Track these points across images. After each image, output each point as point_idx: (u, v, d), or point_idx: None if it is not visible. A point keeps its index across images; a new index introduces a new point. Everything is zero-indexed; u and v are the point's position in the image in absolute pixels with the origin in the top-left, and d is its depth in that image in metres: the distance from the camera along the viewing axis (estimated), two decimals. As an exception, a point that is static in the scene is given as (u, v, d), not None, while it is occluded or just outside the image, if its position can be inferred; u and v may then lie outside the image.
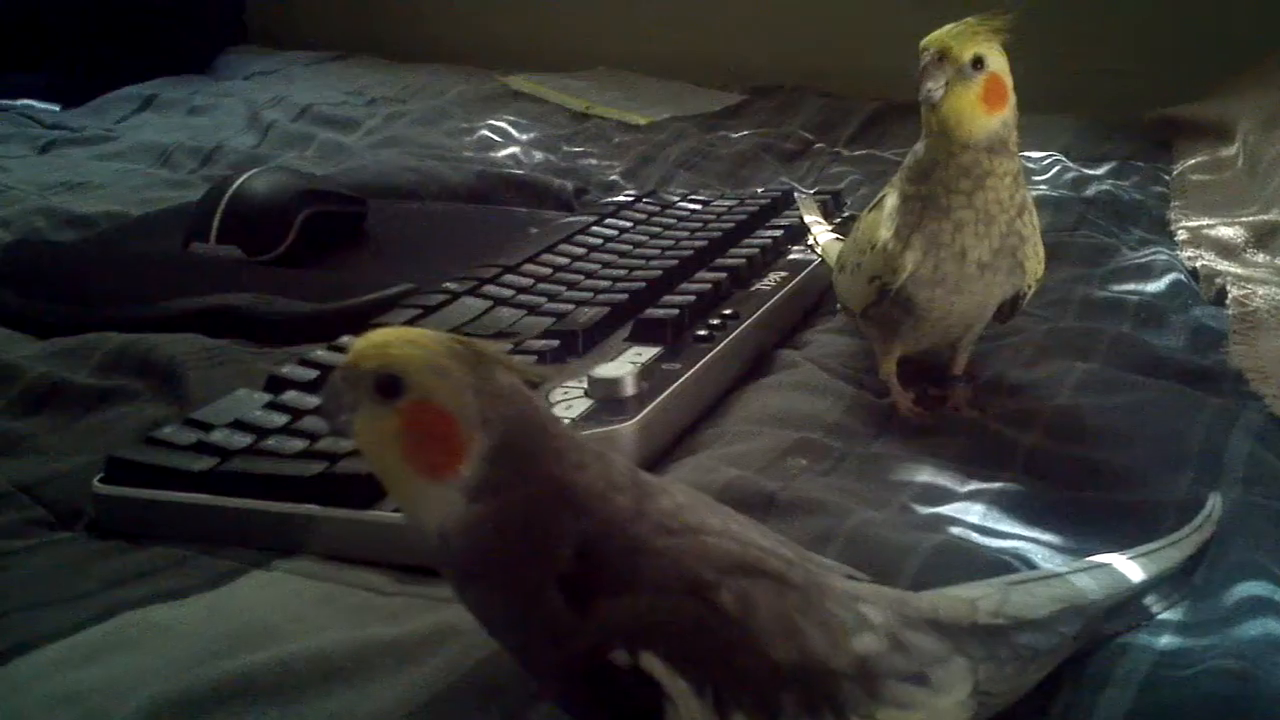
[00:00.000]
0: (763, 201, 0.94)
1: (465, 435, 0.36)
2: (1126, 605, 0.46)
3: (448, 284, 0.76)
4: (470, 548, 0.36)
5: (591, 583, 0.35)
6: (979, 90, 0.61)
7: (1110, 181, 1.11)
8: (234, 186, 0.93)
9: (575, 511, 0.36)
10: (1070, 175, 1.12)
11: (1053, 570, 0.46)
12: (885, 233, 0.64)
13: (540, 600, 0.35)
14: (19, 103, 1.43)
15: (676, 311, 0.70)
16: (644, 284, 0.75)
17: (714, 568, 0.35)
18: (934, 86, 0.60)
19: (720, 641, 0.35)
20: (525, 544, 0.36)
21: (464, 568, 0.37)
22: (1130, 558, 0.48)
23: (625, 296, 0.73)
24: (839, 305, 0.75)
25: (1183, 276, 0.87)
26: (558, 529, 0.36)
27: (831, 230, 0.84)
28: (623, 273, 0.78)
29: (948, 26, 0.61)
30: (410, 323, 0.70)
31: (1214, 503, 0.53)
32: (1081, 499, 0.58)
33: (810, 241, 0.84)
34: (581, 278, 0.78)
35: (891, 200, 0.64)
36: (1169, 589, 0.49)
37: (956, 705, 0.38)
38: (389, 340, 0.36)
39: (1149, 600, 0.49)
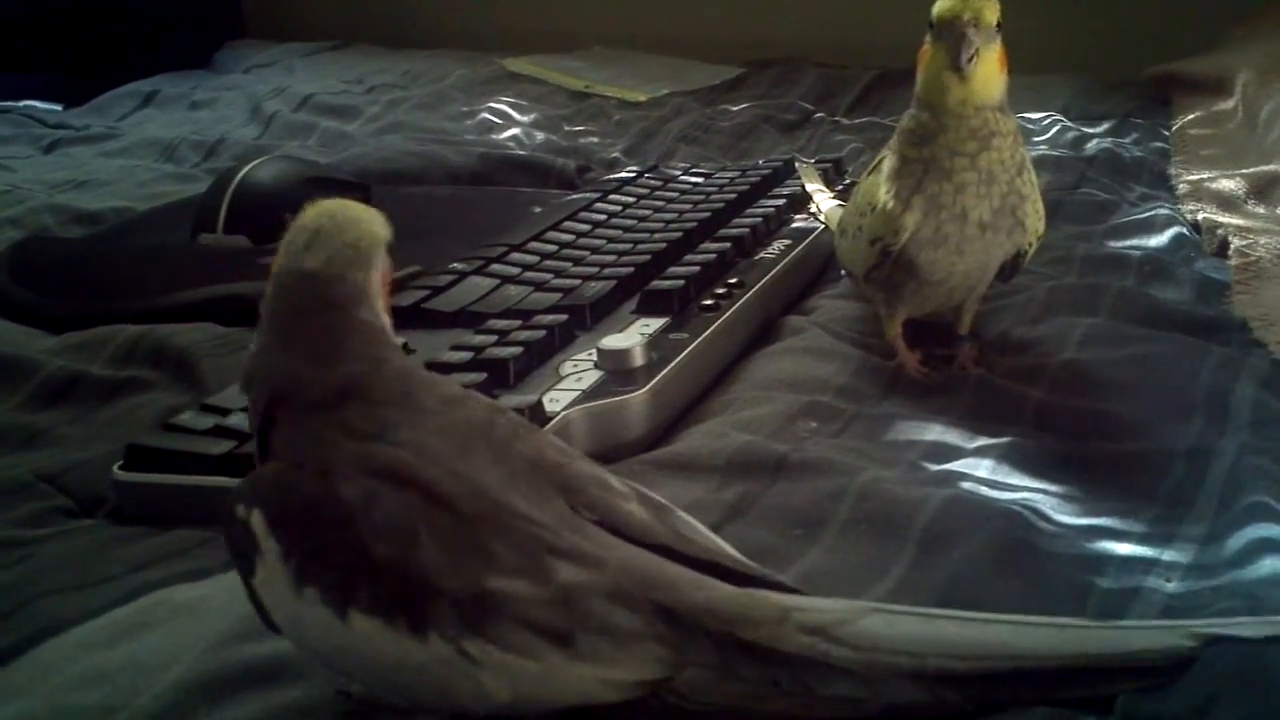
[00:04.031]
0: (764, 172, 0.94)
1: None
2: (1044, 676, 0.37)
3: (455, 264, 0.77)
4: None
5: (268, 448, 0.40)
6: (999, 52, 0.62)
7: (1110, 139, 1.11)
8: (239, 177, 0.93)
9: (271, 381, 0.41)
10: (1070, 134, 1.13)
11: (957, 614, 0.38)
12: (884, 195, 0.64)
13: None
14: (21, 104, 1.43)
15: (682, 283, 0.70)
16: (649, 257, 0.75)
17: (362, 468, 0.38)
18: (971, 54, 0.60)
19: (320, 520, 0.38)
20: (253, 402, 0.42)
21: None
22: (1077, 628, 0.39)
23: (631, 270, 0.73)
24: (843, 270, 0.75)
25: (1185, 230, 0.87)
26: (264, 392, 0.41)
27: (834, 197, 0.85)
28: (627, 247, 0.78)
29: None
30: (419, 303, 0.71)
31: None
32: (1089, 450, 0.58)
33: (813, 209, 0.85)
34: (587, 253, 0.79)
35: (890, 163, 0.65)
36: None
37: (601, 679, 0.37)
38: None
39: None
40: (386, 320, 0.42)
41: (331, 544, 0.37)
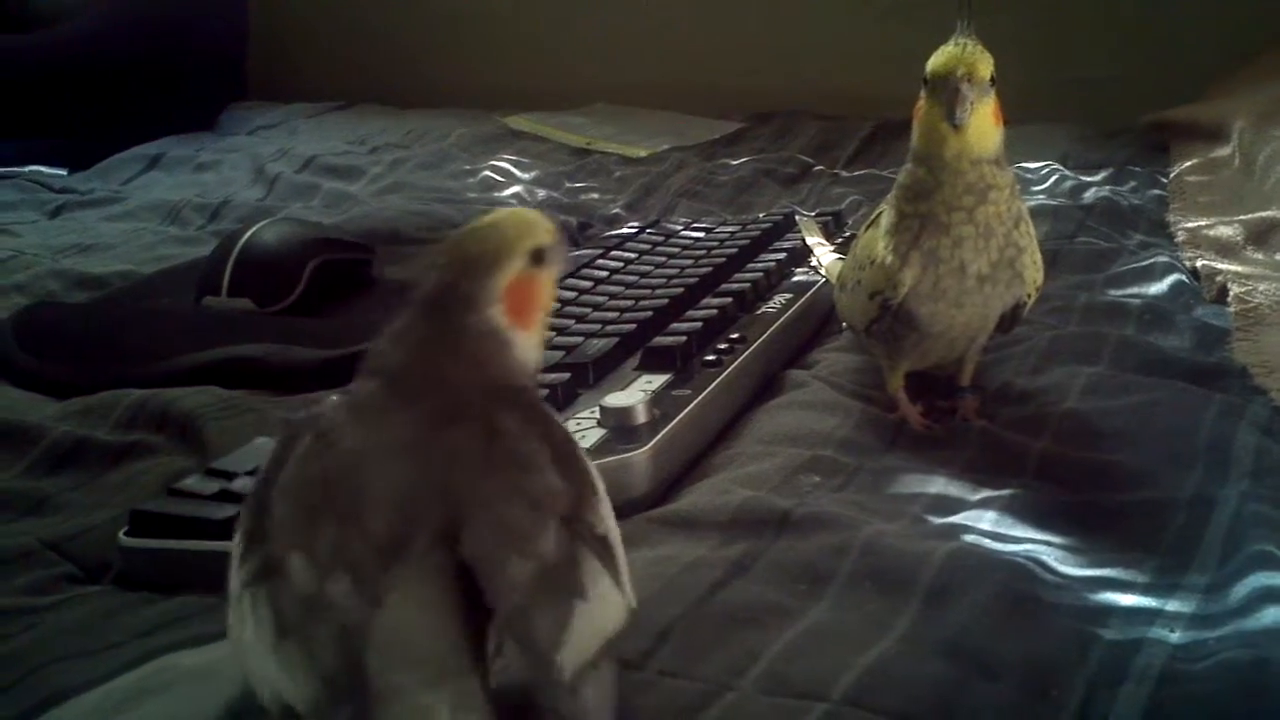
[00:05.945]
0: (765, 225, 0.95)
1: None
2: None
3: (458, 323, 0.77)
4: None
5: None
6: (993, 106, 0.62)
7: (1108, 187, 1.12)
8: (243, 240, 0.94)
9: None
10: (1068, 183, 1.13)
11: None
12: (883, 249, 0.65)
13: None
14: (27, 169, 1.44)
15: (684, 338, 0.71)
16: (651, 313, 0.76)
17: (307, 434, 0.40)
18: (965, 109, 0.61)
19: (270, 465, 0.41)
20: None
21: None
22: None
23: (633, 326, 0.74)
24: (843, 324, 0.75)
25: (1184, 277, 0.88)
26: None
27: (834, 250, 0.85)
28: (630, 303, 0.79)
29: (954, 48, 0.62)
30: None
31: None
32: (1092, 501, 0.58)
33: (813, 262, 0.85)
34: (589, 310, 0.79)
35: (888, 218, 0.65)
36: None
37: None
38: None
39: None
40: (503, 323, 0.41)
41: (263, 485, 0.40)
